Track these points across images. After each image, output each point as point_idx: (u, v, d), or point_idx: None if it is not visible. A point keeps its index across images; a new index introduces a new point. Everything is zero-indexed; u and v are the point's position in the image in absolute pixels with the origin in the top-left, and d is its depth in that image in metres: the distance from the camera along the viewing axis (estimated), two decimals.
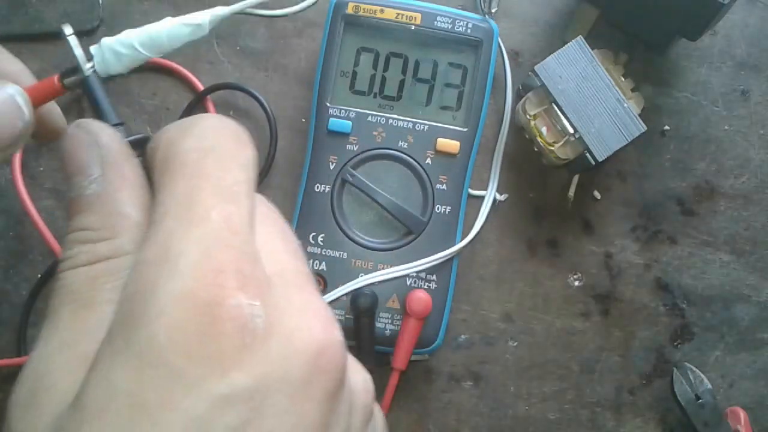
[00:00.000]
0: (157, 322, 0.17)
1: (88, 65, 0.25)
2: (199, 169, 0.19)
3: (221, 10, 0.26)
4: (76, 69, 0.25)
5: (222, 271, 0.18)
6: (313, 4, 0.30)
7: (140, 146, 0.23)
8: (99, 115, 0.28)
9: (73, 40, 0.24)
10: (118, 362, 0.17)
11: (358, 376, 0.22)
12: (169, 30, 0.26)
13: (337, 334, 0.19)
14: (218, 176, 0.19)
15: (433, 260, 0.41)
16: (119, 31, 0.41)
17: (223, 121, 0.21)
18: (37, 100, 0.23)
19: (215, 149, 0.20)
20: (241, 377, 0.17)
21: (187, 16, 0.25)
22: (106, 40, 0.25)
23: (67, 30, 0.24)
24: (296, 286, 0.20)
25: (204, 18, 0.26)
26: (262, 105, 0.44)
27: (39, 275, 0.44)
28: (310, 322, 0.19)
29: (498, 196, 0.44)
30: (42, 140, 0.26)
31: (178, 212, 0.19)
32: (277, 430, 0.17)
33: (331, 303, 0.41)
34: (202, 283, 0.17)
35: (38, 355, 0.19)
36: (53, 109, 0.27)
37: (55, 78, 0.24)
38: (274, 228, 0.22)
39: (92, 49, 0.25)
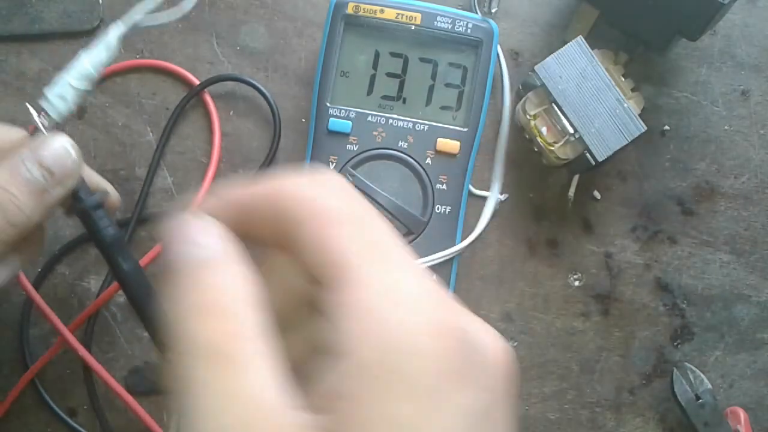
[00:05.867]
0: (418, 355, 0.18)
1: (41, 119, 0.31)
2: (370, 226, 0.21)
3: (120, 27, 0.32)
4: (35, 127, 0.31)
5: (441, 298, 0.19)
6: (194, 6, 0.35)
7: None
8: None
9: (30, 108, 0.31)
10: (391, 395, 0.18)
11: None
12: (90, 59, 0.31)
13: (503, 342, 0.22)
14: (382, 234, 0.21)
15: (435, 259, 0.41)
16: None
17: (343, 183, 0.22)
18: None
19: (365, 213, 0.21)
20: (478, 392, 0.19)
21: (97, 43, 0.32)
22: (46, 90, 0.31)
23: (32, 109, 0.31)
24: (457, 304, 0.22)
25: (111, 40, 0.32)
26: (263, 94, 0.44)
27: (38, 269, 0.44)
28: (492, 337, 0.21)
29: (499, 197, 0.44)
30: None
31: (373, 260, 0.20)
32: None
33: None
34: (436, 311, 0.19)
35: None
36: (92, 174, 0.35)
37: (25, 135, 0.32)
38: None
39: (40, 102, 0.31)
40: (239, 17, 0.46)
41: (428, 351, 0.18)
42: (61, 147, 0.30)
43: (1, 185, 0.29)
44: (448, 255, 0.41)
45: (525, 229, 0.45)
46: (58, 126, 0.31)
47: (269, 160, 0.44)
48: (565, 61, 0.41)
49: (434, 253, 0.41)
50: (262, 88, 0.44)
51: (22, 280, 0.42)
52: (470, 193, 0.44)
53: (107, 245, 0.32)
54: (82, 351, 0.41)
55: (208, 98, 0.45)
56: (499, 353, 0.21)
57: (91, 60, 0.31)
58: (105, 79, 0.45)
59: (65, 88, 0.31)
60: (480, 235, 0.43)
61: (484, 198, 0.44)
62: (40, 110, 0.31)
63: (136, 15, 0.32)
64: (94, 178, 0.36)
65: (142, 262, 0.43)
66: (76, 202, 0.32)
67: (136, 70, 0.45)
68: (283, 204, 0.21)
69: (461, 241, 0.42)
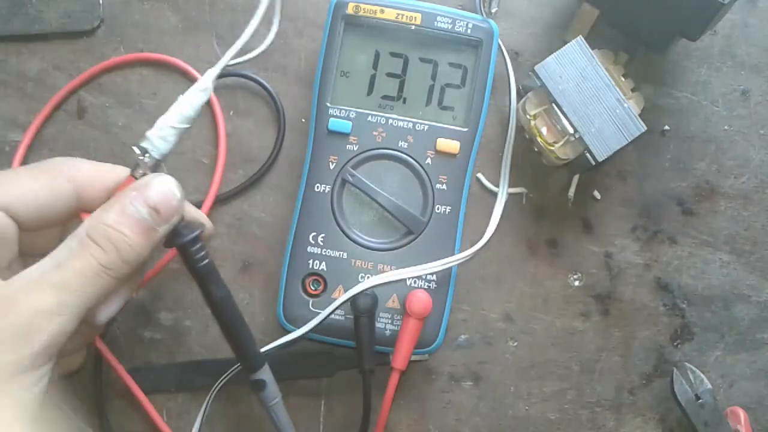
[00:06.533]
0: None
1: (146, 158, 0.33)
2: None
3: (215, 71, 0.34)
4: (137, 164, 0.33)
5: None
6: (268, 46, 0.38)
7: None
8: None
9: (135, 149, 0.33)
10: None
11: None
12: (189, 101, 0.34)
13: None
14: None
15: (440, 264, 0.41)
16: (118, 32, 0.43)
17: None
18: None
19: None
20: None
21: (195, 85, 0.34)
22: (149, 133, 0.33)
23: (137, 150, 0.33)
24: None
25: (207, 83, 0.34)
26: (267, 90, 0.45)
27: None
28: None
29: (525, 192, 0.45)
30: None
31: None
32: None
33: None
34: None
35: None
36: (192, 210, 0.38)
37: (128, 174, 0.33)
38: None
39: (143, 144, 0.33)
40: (239, 17, 0.46)
41: None
42: (166, 187, 0.32)
43: (113, 226, 0.30)
44: (462, 258, 0.41)
45: (525, 229, 0.45)
46: (158, 164, 0.34)
47: (272, 158, 0.44)
48: (565, 61, 0.41)
49: (434, 252, 0.41)
50: (266, 84, 0.44)
51: None
52: (486, 191, 0.44)
53: (202, 276, 0.34)
54: (100, 345, 0.42)
55: (212, 97, 0.45)
56: None
57: (190, 101, 0.34)
58: (104, 79, 0.45)
59: (166, 129, 0.33)
60: (482, 235, 0.43)
61: (485, 198, 0.44)
62: (144, 151, 0.33)
63: (226, 58, 0.35)
64: (192, 211, 0.38)
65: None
66: (177, 237, 0.33)
67: (138, 67, 0.45)
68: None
69: (461, 243, 0.42)
